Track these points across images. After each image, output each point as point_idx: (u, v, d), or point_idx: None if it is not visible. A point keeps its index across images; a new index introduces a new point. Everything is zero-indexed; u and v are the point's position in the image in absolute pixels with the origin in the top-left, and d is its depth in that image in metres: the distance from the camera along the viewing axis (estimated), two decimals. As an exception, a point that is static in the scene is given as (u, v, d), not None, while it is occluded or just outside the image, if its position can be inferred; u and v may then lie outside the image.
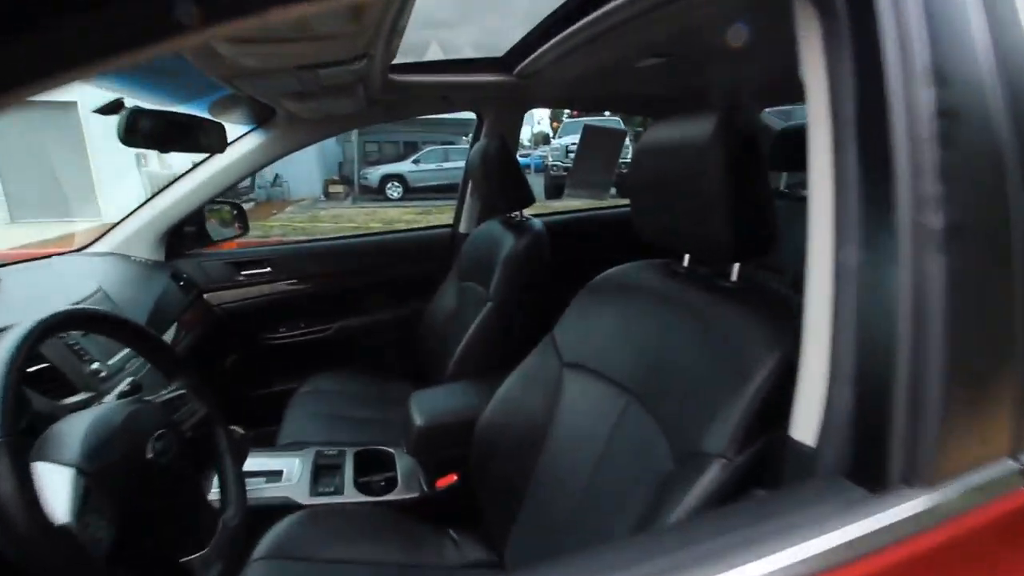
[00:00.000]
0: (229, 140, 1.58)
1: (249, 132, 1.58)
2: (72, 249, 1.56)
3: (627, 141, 2.31)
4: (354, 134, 14.06)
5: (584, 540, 0.82)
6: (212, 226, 1.82)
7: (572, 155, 10.27)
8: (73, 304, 0.94)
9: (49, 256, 1.44)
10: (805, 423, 0.46)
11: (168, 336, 1.43)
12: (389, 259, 1.94)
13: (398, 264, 1.95)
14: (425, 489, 1.18)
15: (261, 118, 1.53)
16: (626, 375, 0.85)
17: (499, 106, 1.77)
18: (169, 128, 0.97)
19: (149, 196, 1.59)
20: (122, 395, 0.81)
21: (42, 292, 1.03)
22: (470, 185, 1.90)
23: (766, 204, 0.70)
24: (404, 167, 12.69)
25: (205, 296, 1.71)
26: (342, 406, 1.55)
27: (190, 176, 1.58)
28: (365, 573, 0.96)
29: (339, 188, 13.43)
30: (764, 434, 0.59)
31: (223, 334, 1.73)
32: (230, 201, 1.93)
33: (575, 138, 10.35)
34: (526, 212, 1.57)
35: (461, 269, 1.68)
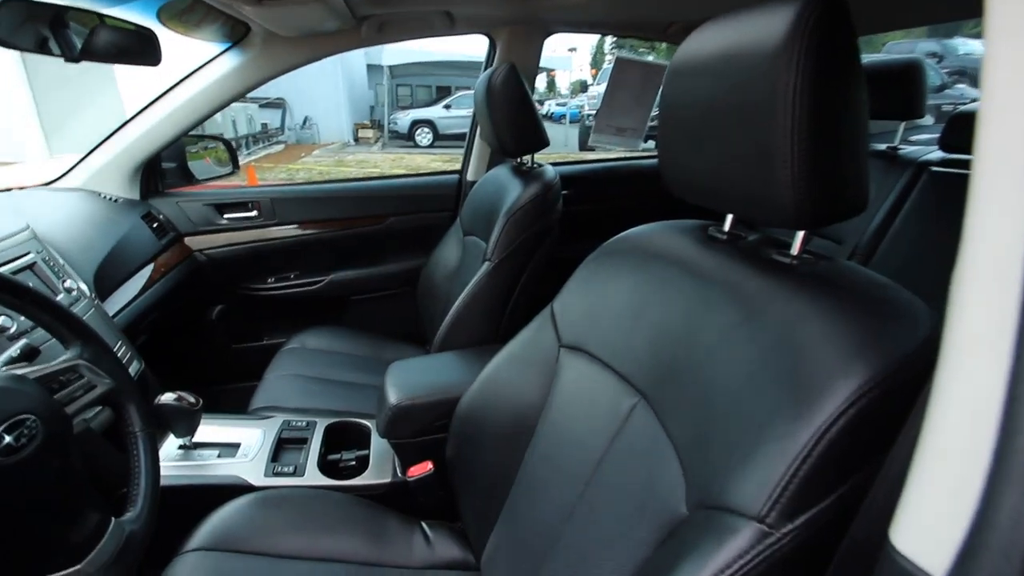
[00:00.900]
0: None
1: (222, 53, 1.38)
2: (41, 183, 1.42)
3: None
4: (386, 76, 13.65)
5: (570, 566, 0.66)
6: (195, 163, 1.66)
7: (610, 103, 9.75)
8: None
9: (10, 190, 1.30)
10: (928, 532, 0.25)
11: (141, 279, 1.30)
12: (389, 207, 1.74)
13: (399, 213, 1.75)
14: (400, 475, 1.03)
15: (233, 35, 1.31)
16: (637, 369, 0.65)
17: (513, 28, 1.50)
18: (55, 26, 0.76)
19: (118, 127, 1.41)
20: (9, 361, 0.66)
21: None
22: (478, 127, 1.67)
23: (859, 151, 0.47)
24: (434, 112, 12.27)
25: (186, 240, 1.57)
26: (326, 367, 1.41)
27: (160, 103, 1.40)
28: (318, 572, 0.82)
29: (368, 133, 13.17)
30: (826, 499, 0.39)
31: (206, 282, 1.60)
32: (216, 136, 1.76)
33: (615, 85, 9.82)
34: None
35: (464, 221, 1.48)
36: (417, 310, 1.64)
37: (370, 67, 14.27)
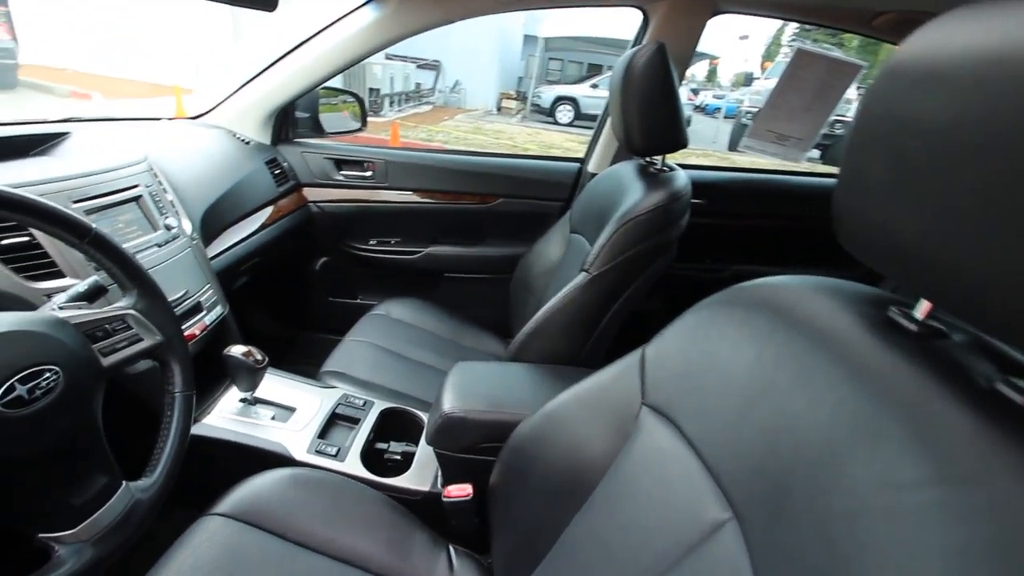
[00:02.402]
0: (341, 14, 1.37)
1: (361, 6, 1.34)
2: (189, 116, 1.52)
3: (855, 90, 1.63)
4: (540, 48, 13.58)
5: None
6: (328, 115, 1.69)
7: (775, 102, 8.74)
8: (85, 172, 0.82)
9: (159, 119, 1.40)
10: None
11: (254, 222, 1.35)
12: (501, 187, 1.64)
13: (509, 195, 1.64)
14: (439, 487, 0.94)
15: (373, -12, 1.27)
16: (736, 474, 0.49)
17: (674, 2, 1.28)
18: None
19: (259, 71, 1.46)
20: (75, 297, 0.66)
21: (84, 154, 0.94)
22: (609, 116, 1.48)
23: None
24: (580, 90, 11.97)
25: (304, 191, 1.61)
26: (403, 341, 1.37)
27: (298, 52, 1.41)
28: (332, 571, 0.77)
29: (511, 104, 13.29)
30: None
31: (315, 234, 1.64)
32: (351, 92, 1.77)
33: (785, 82, 8.74)
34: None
35: (574, 216, 1.33)
36: (508, 300, 1.54)
37: (526, 37, 14.29)
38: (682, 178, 1.05)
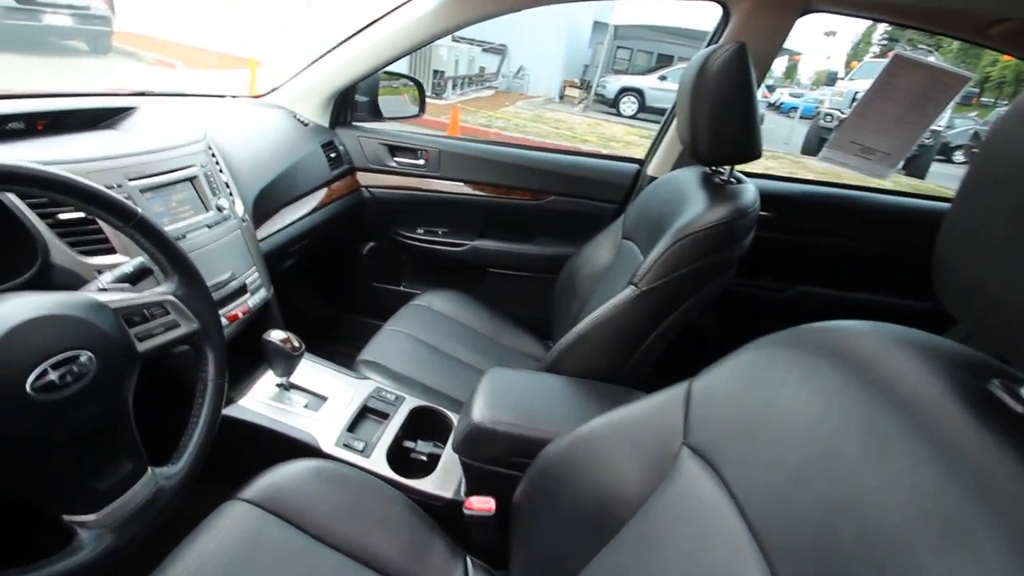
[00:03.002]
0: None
1: (427, -9, 1.31)
2: (253, 95, 1.55)
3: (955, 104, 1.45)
4: (609, 36, 13.21)
5: None
6: (387, 99, 1.68)
7: (860, 106, 8.14)
8: (143, 150, 0.83)
9: (224, 96, 1.43)
10: None
11: (306, 205, 1.37)
12: (553, 184, 1.59)
13: (562, 193, 1.59)
14: (462, 495, 0.92)
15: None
16: (786, 546, 0.43)
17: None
18: None
19: (322, 52, 1.46)
20: (120, 278, 0.67)
21: (147, 130, 0.96)
22: (676, 117, 1.39)
23: None
24: (647, 81, 11.58)
25: (357, 175, 1.61)
26: (441, 335, 1.35)
27: (361, 36, 1.40)
28: (346, 569, 0.77)
29: (575, 92, 13.05)
30: None
31: (364, 218, 1.65)
32: (411, 77, 1.76)
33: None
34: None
35: (628, 221, 1.26)
36: (551, 301, 1.50)
37: (596, 24, 13.95)
38: (750, 192, 0.97)
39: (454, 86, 10.11)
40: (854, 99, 8.46)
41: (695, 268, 0.91)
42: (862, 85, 8.55)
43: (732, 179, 1.00)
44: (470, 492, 0.92)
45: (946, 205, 1.61)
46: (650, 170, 1.48)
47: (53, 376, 0.48)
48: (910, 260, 1.67)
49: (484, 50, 11.55)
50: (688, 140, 1.00)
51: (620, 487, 0.64)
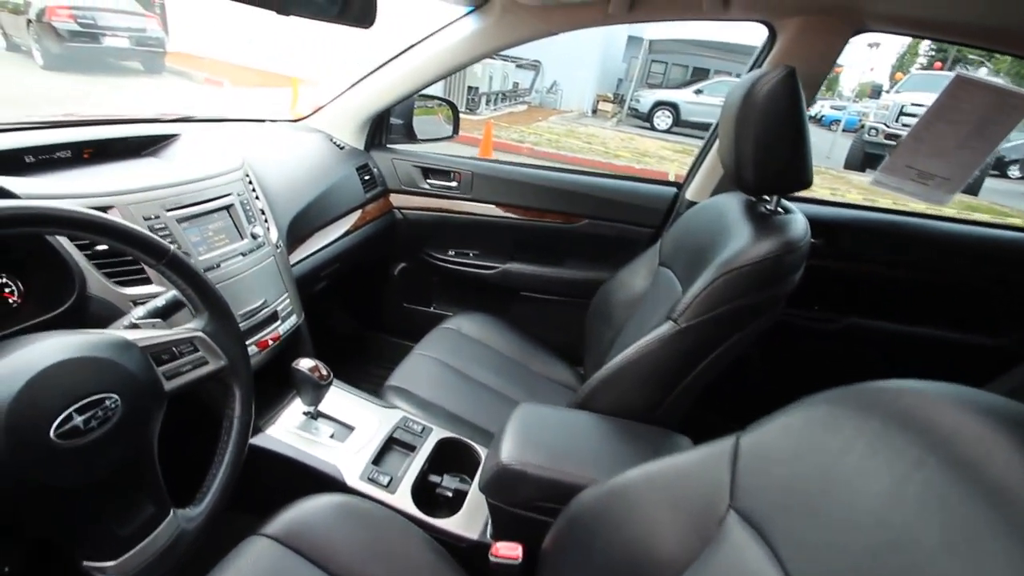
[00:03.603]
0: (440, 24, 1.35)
1: (462, 17, 1.31)
2: (291, 119, 1.58)
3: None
4: (644, 50, 13.16)
5: None
6: (419, 121, 1.69)
7: (908, 120, 7.84)
8: (182, 180, 0.84)
9: (263, 121, 1.46)
10: None
11: (339, 228, 1.37)
12: (587, 207, 1.55)
13: (596, 217, 1.55)
14: (488, 537, 0.88)
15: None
16: None
17: (808, 19, 1.11)
18: None
19: (360, 77, 1.48)
20: (152, 313, 0.67)
21: (187, 158, 0.97)
22: (718, 139, 1.34)
23: None
24: (682, 95, 11.44)
25: (391, 197, 1.62)
26: (470, 360, 1.33)
27: (398, 61, 1.41)
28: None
29: (608, 107, 13.02)
30: None
31: (396, 239, 1.65)
32: (446, 99, 1.76)
33: (922, 97, 7.77)
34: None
35: (665, 247, 1.21)
36: (583, 327, 1.45)
37: (630, 38, 13.92)
38: (800, 224, 0.91)
39: (488, 102, 10.23)
40: (901, 112, 8.16)
41: (739, 305, 0.86)
42: (909, 98, 8.22)
43: (780, 209, 0.95)
44: (496, 534, 0.88)
45: (1010, 233, 1.50)
46: (689, 194, 1.43)
47: (78, 421, 0.48)
48: (971, 291, 1.56)
49: (518, 66, 11.66)
50: (732, 168, 0.95)
51: (658, 548, 0.60)
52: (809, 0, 1.07)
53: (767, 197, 0.98)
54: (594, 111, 13.16)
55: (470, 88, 9.50)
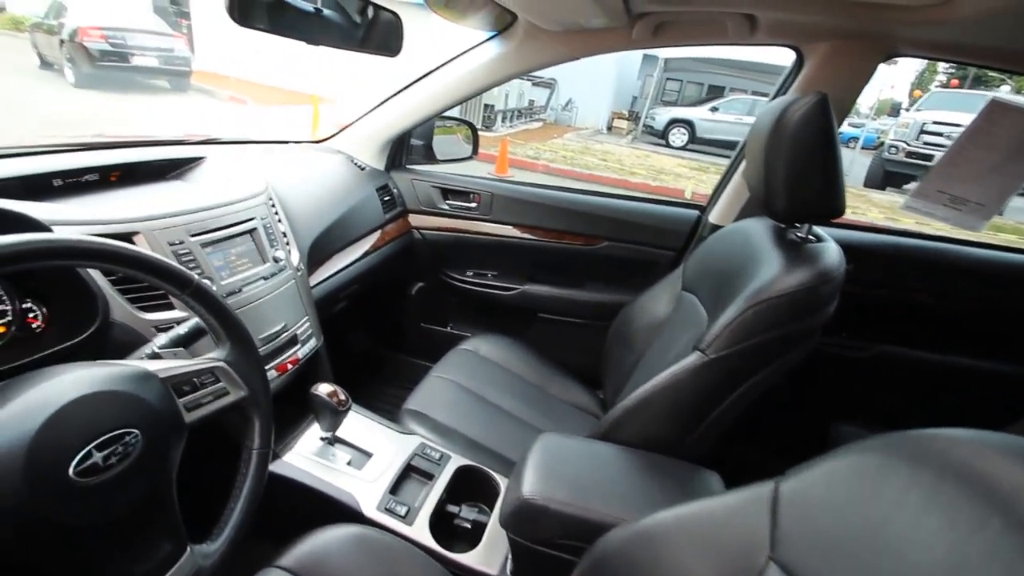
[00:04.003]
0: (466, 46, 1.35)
1: (485, 41, 1.32)
2: (314, 140, 1.59)
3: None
4: (659, 68, 13.22)
5: None
6: (439, 141, 1.70)
7: (929, 138, 7.73)
8: (206, 206, 0.84)
9: (287, 142, 1.48)
10: None
11: (359, 249, 1.37)
12: (607, 229, 1.53)
13: (616, 239, 1.53)
14: (508, 573, 0.85)
15: (498, 24, 1.23)
16: None
17: (836, 44, 1.10)
18: (294, 13, 0.72)
19: (384, 99, 1.49)
20: (175, 341, 0.66)
21: (212, 182, 0.98)
22: (743, 161, 1.31)
23: None
24: (697, 113, 11.45)
25: (409, 217, 1.62)
26: (487, 383, 1.31)
27: (421, 83, 1.42)
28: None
29: (623, 124, 13.06)
30: None
31: (414, 260, 1.64)
32: (466, 120, 1.77)
33: (943, 116, 7.67)
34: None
35: (688, 271, 1.19)
36: (602, 350, 1.43)
37: (645, 56, 14.00)
38: (833, 253, 0.88)
39: (504, 119, 10.33)
40: (921, 130, 8.05)
41: (771, 337, 0.83)
42: (930, 116, 8.11)
43: (814, 237, 0.92)
44: (517, 572, 0.85)
45: None
46: (712, 217, 1.40)
47: (98, 458, 0.47)
48: (1006, 318, 1.51)
49: (534, 84, 11.78)
50: (762, 196, 0.93)
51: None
52: (838, 25, 1.05)
53: (801, 228, 0.95)
54: (609, 128, 13.20)
55: (486, 106, 9.61)
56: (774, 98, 1.25)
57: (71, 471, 0.45)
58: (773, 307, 0.82)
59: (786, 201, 0.88)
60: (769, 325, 0.83)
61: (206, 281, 0.62)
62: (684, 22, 1.11)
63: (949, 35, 1.06)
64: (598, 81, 12.48)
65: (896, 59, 1.12)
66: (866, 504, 0.46)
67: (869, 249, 1.39)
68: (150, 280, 0.55)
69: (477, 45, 1.34)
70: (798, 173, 0.85)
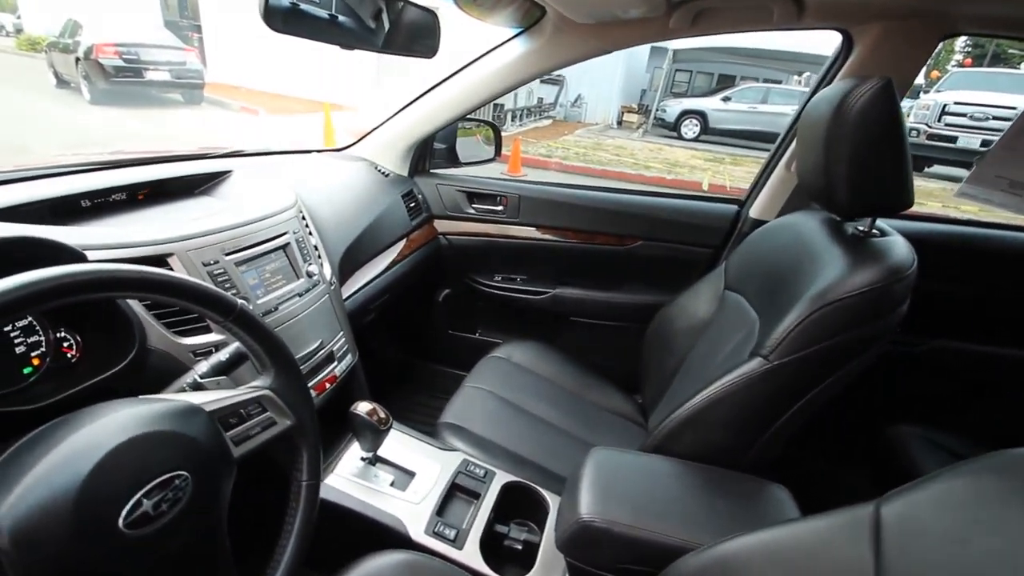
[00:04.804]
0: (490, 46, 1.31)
1: (511, 39, 1.27)
2: (335, 148, 1.56)
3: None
4: (668, 60, 13.05)
5: None
6: (460, 145, 1.65)
7: (951, 119, 7.51)
8: (238, 223, 0.81)
9: (309, 151, 1.45)
10: None
11: (386, 258, 1.34)
12: (641, 228, 1.48)
13: (650, 238, 1.48)
14: (566, 598, 0.81)
15: (526, 20, 1.18)
16: None
17: (889, 25, 1.03)
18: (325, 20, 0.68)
19: (404, 104, 1.45)
20: (216, 369, 0.63)
21: (241, 197, 0.95)
22: (790, 149, 1.24)
23: None
24: (709, 103, 11.27)
25: (435, 223, 1.58)
26: (523, 391, 1.26)
27: (444, 86, 1.38)
28: None
29: (633, 118, 12.92)
30: None
31: (441, 266, 1.61)
32: (488, 122, 1.72)
33: (966, 97, 7.42)
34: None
35: (731, 270, 1.13)
36: (639, 353, 1.37)
37: (653, 48, 13.83)
38: (902, 248, 0.82)
39: (513, 118, 10.27)
40: (943, 112, 7.81)
41: (840, 341, 0.77)
42: (951, 97, 7.87)
43: (878, 231, 0.86)
44: (576, 598, 0.81)
45: None
46: (753, 212, 1.34)
47: (147, 506, 0.43)
48: None
49: (542, 81, 11.70)
50: (820, 188, 0.87)
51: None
52: (891, 4, 0.98)
53: (863, 222, 0.89)
54: (619, 123, 13.07)
55: (496, 105, 9.56)
56: (819, 86, 1.18)
57: (121, 523, 0.41)
58: (841, 309, 0.76)
59: (848, 193, 0.82)
60: (837, 329, 0.77)
61: (249, 305, 0.59)
62: (726, 8, 1.05)
63: (1011, 9, 0.99)
64: (606, 76, 12.36)
65: (953, 37, 1.05)
66: (991, 533, 0.41)
67: (921, 239, 1.32)
68: (193, 308, 0.51)
69: (502, 44, 1.30)
70: (862, 163, 0.79)
